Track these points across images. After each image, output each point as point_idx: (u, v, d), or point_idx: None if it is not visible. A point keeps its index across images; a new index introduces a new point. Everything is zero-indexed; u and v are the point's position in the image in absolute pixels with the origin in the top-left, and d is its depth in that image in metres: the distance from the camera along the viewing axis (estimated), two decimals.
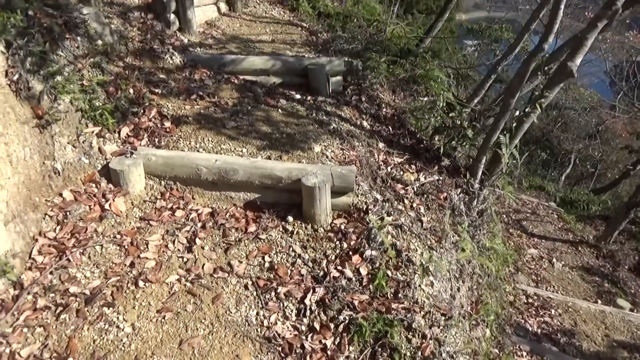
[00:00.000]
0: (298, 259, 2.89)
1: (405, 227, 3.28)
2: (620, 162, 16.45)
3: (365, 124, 4.49)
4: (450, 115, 4.49)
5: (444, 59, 7.54)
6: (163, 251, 2.80)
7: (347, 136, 4.01)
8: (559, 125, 17.22)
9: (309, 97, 4.53)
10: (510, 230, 7.88)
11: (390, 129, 4.62)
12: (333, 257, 2.92)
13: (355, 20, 8.26)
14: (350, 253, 2.93)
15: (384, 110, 4.93)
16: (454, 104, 6.01)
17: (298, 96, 4.51)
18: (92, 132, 3.25)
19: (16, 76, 2.79)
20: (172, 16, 5.03)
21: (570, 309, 5.51)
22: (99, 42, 3.78)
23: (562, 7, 3.63)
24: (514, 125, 4.15)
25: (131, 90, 3.67)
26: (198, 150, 3.46)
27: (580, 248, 7.87)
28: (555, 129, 16.92)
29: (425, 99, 5.69)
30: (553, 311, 5.42)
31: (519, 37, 6.61)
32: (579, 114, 16.92)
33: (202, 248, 2.87)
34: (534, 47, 3.87)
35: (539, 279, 6.30)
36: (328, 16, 8.15)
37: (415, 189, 3.82)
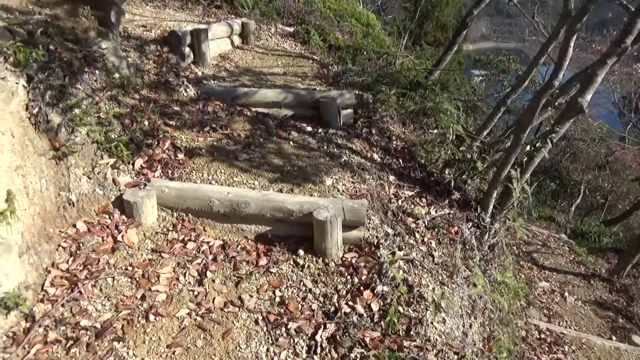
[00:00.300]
0: (309, 294, 2.86)
1: (416, 262, 3.26)
2: (631, 193, 16.31)
3: (375, 156, 4.51)
4: (460, 148, 4.50)
5: (453, 91, 7.60)
6: (174, 284, 2.79)
7: (358, 169, 4.03)
8: (568, 155, 17.19)
9: (320, 130, 4.58)
10: (521, 263, 7.77)
11: (401, 161, 4.63)
12: (344, 292, 2.90)
13: (365, 52, 8.40)
14: (362, 288, 2.91)
15: (394, 142, 4.96)
16: (463, 136, 6.05)
17: (309, 128, 4.56)
18: (107, 163, 3.29)
19: (36, 109, 2.86)
20: (187, 49, 5.15)
21: (584, 346, 5.37)
22: (116, 75, 3.87)
23: (572, 45, 3.68)
24: (525, 159, 4.15)
25: (146, 122, 3.73)
26: (211, 183, 3.49)
27: (592, 282, 7.74)
28: (565, 159, 16.87)
29: (435, 131, 5.72)
30: (566, 347, 5.28)
31: (528, 71, 6.68)
32: (587, 144, 16.89)
33: (213, 281, 2.86)
34: (545, 83, 3.89)
35: (551, 313, 6.18)
36: (338, 49, 8.29)
37: (426, 222, 3.80)
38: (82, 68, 3.44)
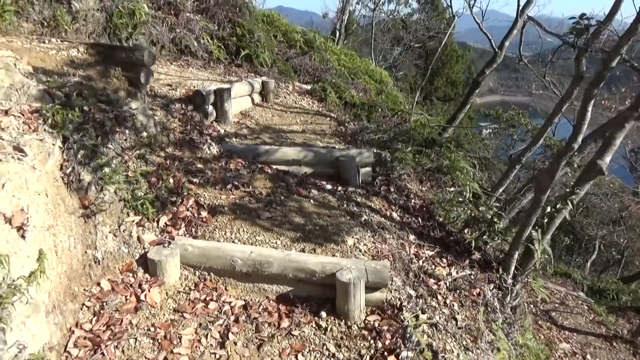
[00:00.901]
0: (332, 359, 2.80)
1: (440, 326, 3.20)
2: None
3: (395, 215, 4.52)
4: (480, 208, 4.50)
5: (468, 148, 7.68)
6: (196, 346, 2.76)
7: (378, 228, 4.03)
8: (581, 210, 17.04)
9: (339, 188, 4.62)
10: (539, 322, 7.54)
11: (420, 220, 4.63)
12: (368, 358, 2.83)
13: (379, 110, 8.60)
14: (386, 354, 2.84)
15: (413, 201, 4.98)
16: (480, 194, 6.06)
17: (329, 186, 4.61)
18: (133, 221, 3.34)
19: (69, 169, 2.95)
20: (210, 108, 5.32)
21: None
22: (144, 134, 3.99)
23: (590, 109, 3.74)
24: (546, 220, 4.14)
25: (171, 180, 3.80)
26: (233, 241, 3.51)
27: (615, 343, 7.46)
28: (578, 214, 16.72)
29: (452, 189, 5.74)
30: None
31: (543, 129, 6.76)
32: (600, 199, 16.78)
33: (235, 344, 2.82)
34: (565, 145, 3.93)
35: None
36: (354, 106, 8.50)
37: (447, 284, 3.75)
38: (114, 128, 3.56)
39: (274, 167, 4.74)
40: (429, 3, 22.88)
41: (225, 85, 5.71)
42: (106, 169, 3.27)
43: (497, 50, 8.32)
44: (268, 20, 11.60)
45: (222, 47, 8.33)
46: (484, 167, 7.88)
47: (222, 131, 5.17)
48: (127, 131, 3.71)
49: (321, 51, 11.55)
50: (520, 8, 8.05)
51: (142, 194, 3.47)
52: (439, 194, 5.47)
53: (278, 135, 5.56)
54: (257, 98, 6.74)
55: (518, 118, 24.21)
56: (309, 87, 8.70)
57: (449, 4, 15.27)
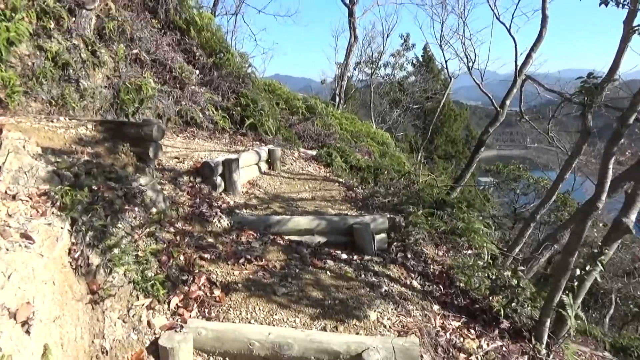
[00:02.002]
0: None
1: None
2: None
3: (415, 283, 4.31)
4: (504, 273, 4.31)
5: (478, 207, 7.54)
6: None
7: (400, 299, 3.82)
8: (583, 254, 16.60)
9: (355, 257, 4.45)
10: None
11: (442, 287, 4.42)
12: None
13: (386, 172, 8.56)
14: None
15: (431, 267, 4.78)
16: (497, 255, 5.87)
17: (344, 256, 4.44)
18: (143, 304, 3.15)
19: (78, 253, 2.80)
20: (219, 179, 5.25)
21: None
22: (154, 209, 3.88)
23: (611, 167, 3.66)
24: (576, 284, 3.93)
25: (182, 257, 3.65)
26: (249, 321, 3.29)
27: None
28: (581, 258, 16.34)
29: (469, 252, 5.55)
30: None
31: (555, 186, 6.66)
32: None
33: None
34: (588, 205, 3.80)
35: None
36: (360, 169, 8.47)
37: (479, 358, 3.50)
38: (123, 206, 3.46)
39: (287, 237, 4.59)
40: (424, 66, 23.65)
41: (233, 156, 5.68)
42: (115, 250, 3.12)
43: (499, 109, 8.42)
44: (270, 89, 11.88)
45: (227, 117, 8.44)
46: (497, 225, 7.71)
47: (231, 202, 5.06)
48: (136, 208, 3.60)
49: (323, 116, 11.74)
50: (518, 68, 8.24)
51: (153, 274, 3.30)
52: (457, 258, 5.27)
53: (288, 204, 5.45)
54: (264, 166, 6.71)
55: (519, 172, 24.27)
56: (314, 152, 8.72)
57: (445, 66, 15.77)
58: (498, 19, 9.57)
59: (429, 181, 8.55)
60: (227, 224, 4.47)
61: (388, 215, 5.11)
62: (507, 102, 8.27)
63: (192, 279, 3.55)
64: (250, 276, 3.79)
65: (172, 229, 3.98)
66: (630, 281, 15.81)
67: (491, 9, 9.82)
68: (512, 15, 9.58)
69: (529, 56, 8.24)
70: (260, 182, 6.16)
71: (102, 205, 3.23)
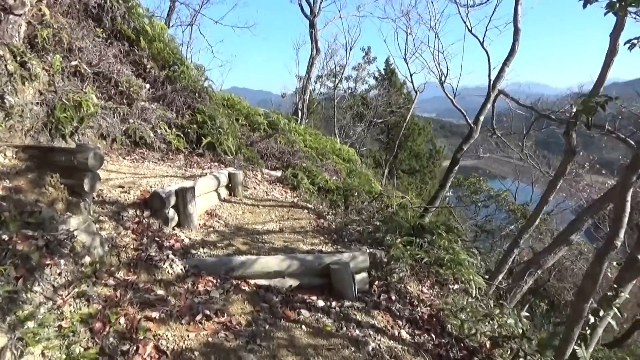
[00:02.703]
0: None
1: None
2: (625, 310, 15.63)
3: (403, 333, 3.74)
4: (507, 321, 3.80)
5: (457, 232, 7.10)
6: None
7: (391, 358, 3.24)
8: (554, 274, 16.83)
9: (333, 304, 3.84)
10: None
11: (433, 336, 3.86)
12: None
13: (356, 194, 8.03)
14: None
15: (419, 309, 4.23)
16: (483, 288, 5.40)
17: (321, 303, 3.82)
18: None
19: None
20: (171, 212, 4.54)
21: None
22: (87, 259, 3.15)
23: (629, 199, 3.22)
24: (588, 332, 3.47)
25: (122, 321, 2.93)
26: None
27: None
28: (552, 278, 16.46)
29: (456, 286, 5.06)
30: None
31: (538, 210, 6.29)
32: (572, 262, 16.63)
33: None
34: (605, 242, 3.34)
35: None
36: (329, 192, 7.91)
37: None
38: (43, 261, 2.72)
39: (253, 282, 3.93)
40: (386, 79, 23.50)
41: (188, 183, 4.97)
42: (29, 324, 2.39)
43: (472, 125, 8.07)
44: (229, 103, 11.21)
45: (182, 135, 7.70)
46: (478, 251, 7.28)
47: (186, 240, 4.34)
48: (62, 261, 2.87)
49: (286, 133, 11.14)
50: (492, 82, 7.93)
51: (82, 349, 2.58)
52: (445, 297, 4.75)
53: (253, 238, 4.78)
54: (225, 192, 6.02)
55: (479, 185, 24.24)
56: (278, 173, 8.10)
57: (410, 80, 15.53)
58: (470, 31, 9.32)
59: (402, 202, 8.05)
60: (181, 269, 3.76)
61: (368, 251, 4.54)
62: (481, 118, 7.95)
63: (135, 348, 2.83)
64: (210, 339, 3.10)
65: (111, 281, 3.25)
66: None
67: (463, 21, 9.57)
68: (486, 27, 9.40)
69: (502, 70, 7.96)
70: (220, 211, 5.46)
71: (12, 263, 2.50)
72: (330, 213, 6.48)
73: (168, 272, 3.67)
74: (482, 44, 7.96)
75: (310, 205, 6.41)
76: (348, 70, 22.21)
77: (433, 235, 6.18)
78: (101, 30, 7.60)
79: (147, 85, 7.62)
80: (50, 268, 2.75)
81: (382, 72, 24.18)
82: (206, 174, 5.96)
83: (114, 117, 6.60)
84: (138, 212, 4.34)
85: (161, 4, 29.01)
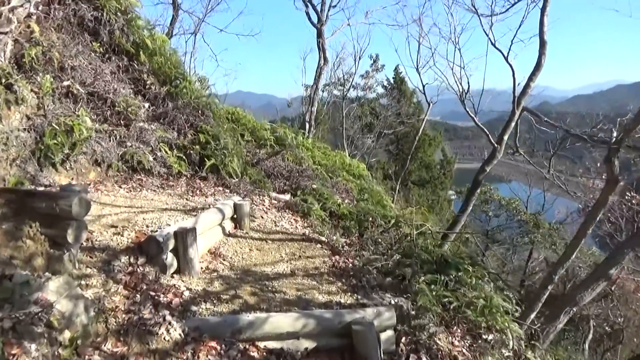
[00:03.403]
0: None
1: None
2: None
3: None
4: None
5: (483, 265, 6.57)
6: None
7: None
8: (570, 285, 16.45)
9: None
10: None
11: None
12: None
13: (370, 219, 7.51)
14: None
15: None
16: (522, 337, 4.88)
17: None
18: None
19: None
20: (170, 256, 4.05)
21: None
22: (66, 334, 2.66)
23: None
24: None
25: None
26: None
27: None
28: (567, 290, 16.00)
29: (490, 336, 4.52)
30: None
31: (575, 242, 5.78)
32: (587, 273, 16.17)
33: None
34: None
35: None
36: (341, 218, 7.40)
37: None
38: (7, 350, 2.23)
39: (263, 345, 3.43)
40: (395, 88, 23.02)
41: (189, 222, 4.48)
42: None
43: (496, 145, 7.55)
44: (233, 117, 10.77)
45: (184, 157, 7.23)
46: (507, 287, 6.74)
47: (186, 293, 3.83)
48: (33, 346, 2.37)
49: (294, 149, 10.65)
50: (517, 98, 7.42)
51: None
52: (477, 349, 4.23)
53: (262, 285, 4.26)
54: (229, 225, 5.53)
55: (490, 194, 23.54)
56: (287, 197, 7.60)
57: (423, 91, 15.02)
58: (494, 44, 8.75)
59: (422, 229, 7.52)
60: (180, 334, 3.25)
61: (393, 301, 4.03)
62: (505, 138, 7.42)
63: None
64: None
65: (96, 357, 2.76)
66: (608, 305, 15.39)
67: (485, 33, 9.02)
68: (511, 41, 8.72)
69: (527, 86, 7.44)
70: (224, 249, 4.97)
71: None
72: (345, 245, 5.97)
73: (164, 338, 3.16)
74: (506, 58, 7.46)
75: (323, 238, 5.89)
76: (356, 79, 21.76)
77: (459, 271, 5.68)
78: (98, 45, 7.17)
79: (147, 104, 7.17)
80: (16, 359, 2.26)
81: (392, 80, 23.72)
82: (209, 206, 5.47)
83: (109, 141, 6.15)
84: (132, 260, 3.86)
85: (164, 12, 28.59)
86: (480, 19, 8.65)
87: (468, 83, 8.14)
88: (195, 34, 17.07)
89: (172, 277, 4.02)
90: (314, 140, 14.17)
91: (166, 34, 15.20)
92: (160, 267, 3.94)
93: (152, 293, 3.57)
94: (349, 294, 4.37)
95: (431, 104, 15.10)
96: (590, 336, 14.94)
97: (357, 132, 20.43)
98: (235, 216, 5.61)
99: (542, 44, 7.48)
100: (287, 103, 22.12)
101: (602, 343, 15.59)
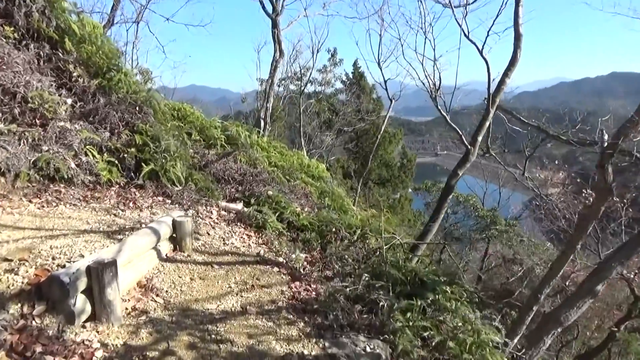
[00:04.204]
0: None
1: None
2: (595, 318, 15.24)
3: None
4: None
5: (460, 282, 5.91)
6: None
7: None
8: (526, 283, 16.54)
9: None
10: None
11: None
12: None
13: (333, 230, 6.76)
14: None
15: None
16: None
17: None
18: None
19: None
20: (80, 300, 3.12)
21: None
22: None
23: None
24: None
25: None
26: None
27: None
28: (524, 287, 16.02)
29: None
30: None
31: (561, 259, 5.23)
32: (542, 269, 16.41)
33: None
34: None
35: None
36: (301, 229, 6.61)
37: None
38: None
39: None
40: (355, 84, 22.36)
41: (109, 252, 3.54)
42: None
43: (469, 147, 6.95)
44: (180, 115, 9.76)
45: (117, 162, 6.22)
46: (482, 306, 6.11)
47: (99, 352, 2.91)
48: None
49: (247, 149, 9.74)
50: (492, 96, 6.84)
51: None
52: None
53: (203, 332, 3.40)
54: (167, 247, 4.61)
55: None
56: (239, 206, 6.73)
57: (385, 87, 14.38)
58: (467, 36, 8.05)
59: (389, 241, 6.83)
60: None
61: (369, 348, 3.27)
62: (479, 138, 6.82)
63: None
64: None
65: None
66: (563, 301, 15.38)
67: (458, 24, 8.29)
68: (487, 32, 7.91)
69: (502, 82, 6.85)
70: (159, 280, 4.06)
71: None
72: (306, 265, 5.19)
73: None
74: (480, 52, 6.85)
75: (281, 259, 5.08)
76: (314, 73, 20.94)
77: (436, 293, 5.02)
78: (11, 29, 6.07)
79: (69, 100, 6.10)
80: None
81: (350, 75, 23.00)
82: (141, 225, 4.54)
83: (19, 145, 5.08)
84: (25, 309, 2.92)
85: None
86: (452, 8, 8.00)
87: (440, 78, 7.51)
88: (138, 22, 15.75)
89: (84, 327, 3.09)
90: (270, 138, 13.26)
91: (107, 22, 13.91)
92: (65, 316, 3.02)
93: (50, 357, 2.66)
94: (314, 339, 3.56)
95: (393, 101, 14.50)
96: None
97: (315, 130, 19.63)
98: (175, 235, 4.70)
99: (517, 36, 6.92)
100: (241, 98, 21.05)
101: (559, 338, 15.64)
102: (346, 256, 5.76)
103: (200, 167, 7.98)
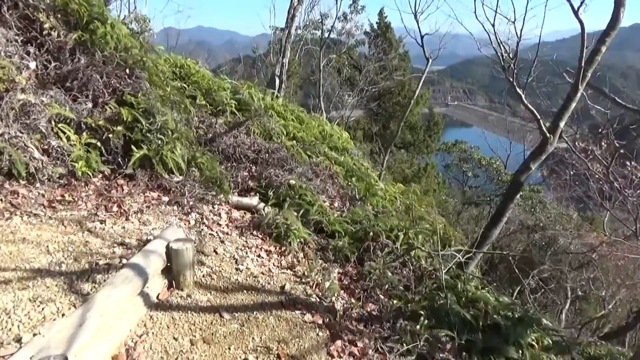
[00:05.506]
0: None
1: None
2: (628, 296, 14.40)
3: None
4: None
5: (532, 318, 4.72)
6: None
7: None
8: (550, 253, 15.80)
9: None
10: None
11: None
12: None
13: (371, 234, 5.53)
14: None
15: None
16: None
17: None
18: None
19: None
20: None
21: None
22: None
23: None
24: None
25: None
26: None
27: None
28: (547, 258, 15.20)
29: None
30: None
31: None
32: (569, 241, 15.59)
33: None
34: None
35: None
36: (332, 236, 5.40)
37: None
38: None
39: None
40: (380, 36, 20.54)
41: (59, 340, 2.34)
42: None
43: (548, 134, 5.58)
44: (182, 73, 8.39)
45: (99, 144, 4.96)
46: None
47: None
48: None
49: (261, 116, 8.39)
50: (582, 70, 5.40)
51: None
52: None
53: None
54: (159, 285, 3.41)
55: (470, 153, 22.03)
56: (254, 200, 5.53)
57: (421, 44, 12.77)
58: None
59: (444, 250, 5.62)
60: None
61: None
62: (561, 124, 5.43)
63: None
64: None
65: None
66: (588, 275, 14.60)
67: None
68: None
69: (596, 51, 5.37)
70: (144, 347, 2.88)
71: None
72: (343, 300, 4.02)
73: None
74: (575, 12, 5.37)
75: (312, 295, 3.88)
76: (332, 22, 19.12)
77: (520, 348, 3.87)
78: None
79: (33, 64, 4.76)
80: None
81: (375, 26, 21.03)
82: (121, 260, 3.32)
83: None
84: None
85: None
86: None
87: (519, 38, 5.94)
88: None
89: None
90: (285, 100, 11.84)
91: None
92: None
93: None
94: None
95: (430, 59, 12.90)
96: (567, 306, 14.10)
97: (335, 88, 18.06)
98: (170, 265, 3.49)
99: None
100: (252, 48, 19.36)
101: (581, 315, 14.90)
102: (395, 281, 4.57)
103: (205, 143, 6.72)
